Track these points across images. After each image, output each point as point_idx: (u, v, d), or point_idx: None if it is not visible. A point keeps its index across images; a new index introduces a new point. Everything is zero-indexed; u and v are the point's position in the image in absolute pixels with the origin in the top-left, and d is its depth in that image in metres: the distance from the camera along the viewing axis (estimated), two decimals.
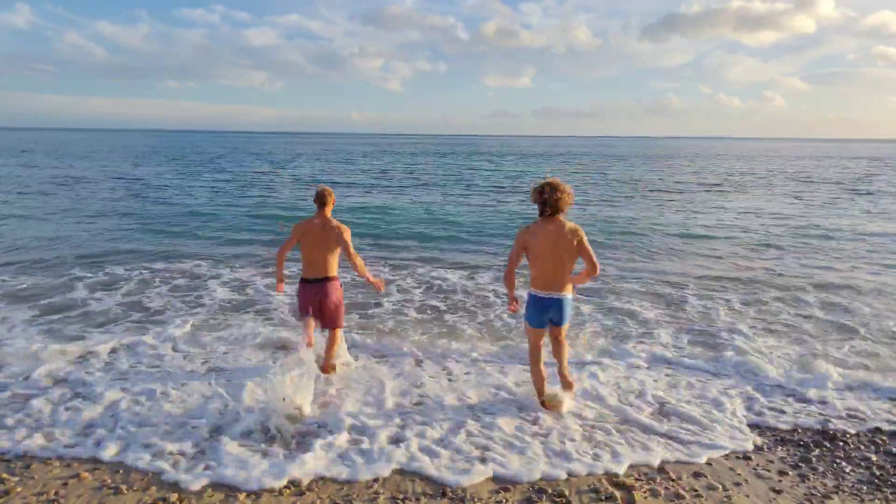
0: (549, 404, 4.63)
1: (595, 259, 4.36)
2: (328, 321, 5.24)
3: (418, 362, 5.85)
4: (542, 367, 4.69)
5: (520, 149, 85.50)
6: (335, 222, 5.16)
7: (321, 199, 5.21)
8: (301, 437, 4.28)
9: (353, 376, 5.37)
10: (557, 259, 4.36)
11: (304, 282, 5.19)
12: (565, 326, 4.61)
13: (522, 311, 4.77)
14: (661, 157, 57.50)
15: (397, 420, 4.58)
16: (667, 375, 5.62)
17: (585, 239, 4.37)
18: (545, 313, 4.51)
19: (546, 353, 4.81)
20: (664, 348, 6.33)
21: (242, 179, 28.14)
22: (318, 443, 4.17)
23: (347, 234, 5.14)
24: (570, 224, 4.40)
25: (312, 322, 5.18)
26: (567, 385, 4.71)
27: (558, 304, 4.44)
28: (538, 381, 4.69)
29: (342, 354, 5.55)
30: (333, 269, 5.18)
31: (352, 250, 5.11)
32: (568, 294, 4.47)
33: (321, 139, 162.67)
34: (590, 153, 68.84)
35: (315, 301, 5.13)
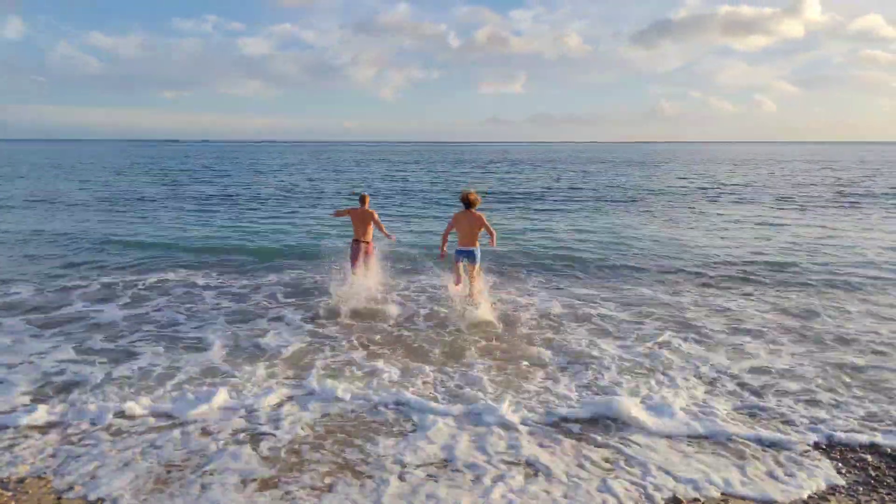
0: (462, 294, 8.13)
1: (492, 229, 7.90)
2: (370, 261, 8.90)
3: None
4: (462, 281, 8.21)
5: (516, 156, 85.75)
6: (370, 210, 8.87)
7: (362, 200, 9.01)
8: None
9: None
10: (470, 230, 7.96)
11: (356, 241, 8.86)
12: (476, 266, 8.05)
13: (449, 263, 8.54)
14: (653, 164, 57.83)
15: None
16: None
17: (486, 220, 7.94)
18: (463, 257, 8.05)
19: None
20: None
21: (227, 192, 28.00)
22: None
23: (376, 214, 8.88)
24: (477, 213, 8.00)
25: (360, 263, 8.75)
26: (474, 302, 7.91)
27: (471, 253, 8.01)
28: (458, 285, 8.28)
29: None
30: (370, 235, 8.90)
31: (380, 222, 8.83)
32: (476, 248, 8.02)
33: (315, 147, 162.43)
34: (581, 159, 69.15)
35: (361, 252, 8.78)
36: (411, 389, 5.57)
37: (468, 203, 7.99)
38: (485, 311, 7.78)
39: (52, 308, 8.22)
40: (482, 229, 7.96)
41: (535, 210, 20.26)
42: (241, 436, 4.68)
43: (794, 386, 5.60)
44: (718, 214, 18.67)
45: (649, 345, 6.80)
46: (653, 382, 5.71)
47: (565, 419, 4.98)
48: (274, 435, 4.68)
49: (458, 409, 5.16)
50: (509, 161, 64.37)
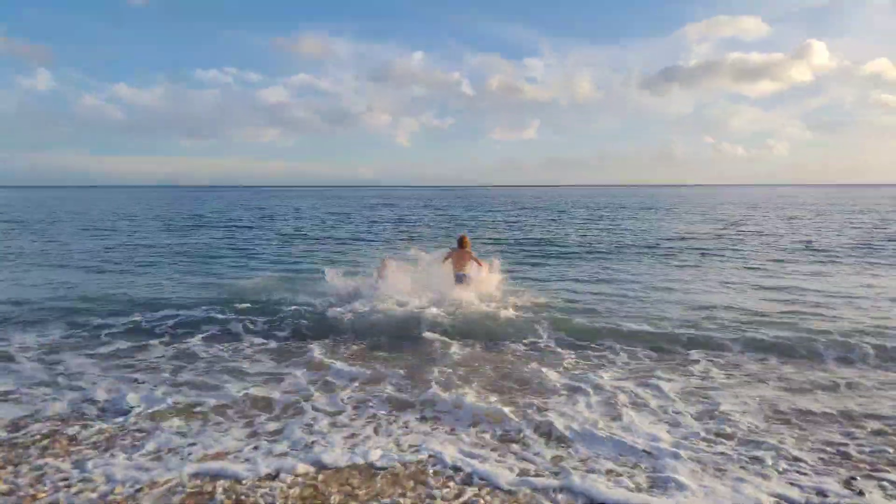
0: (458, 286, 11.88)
1: (478, 260, 12.38)
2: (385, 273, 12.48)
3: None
4: (458, 288, 11.77)
5: (528, 200, 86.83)
6: (386, 261, 12.78)
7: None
8: None
9: None
10: (462, 262, 12.17)
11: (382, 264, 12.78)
12: (467, 282, 11.98)
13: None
14: (665, 208, 58.44)
15: None
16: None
17: (474, 256, 12.39)
18: (460, 281, 11.97)
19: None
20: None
21: (235, 238, 28.86)
22: None
23: (389, 264, 12.63)
24: (467, 251, 12.30)
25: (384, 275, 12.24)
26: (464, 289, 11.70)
27: (465, 276, 12.02)
28: (456, 290, 11.67)
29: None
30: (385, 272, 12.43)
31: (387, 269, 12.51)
32: (467, 273, 12.02)
33: (332, 193, 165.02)
34: (595, 203, 69.89)
35: (382, 269, 12.56)
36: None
37: (461, 244, 12.38)
38: (471, 297, 11.31)
39: (98, 346, 9.01)
40: (471, 261, 12.22)
41: (542, 258, 19.96)
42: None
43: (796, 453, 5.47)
44: (731, 264, 17.80)
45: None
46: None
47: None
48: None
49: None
50: (520, 206, 65.26)
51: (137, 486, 4.86)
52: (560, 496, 4.79)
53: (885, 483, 4.92)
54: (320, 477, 5.06)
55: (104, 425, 6.15)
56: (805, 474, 5.07)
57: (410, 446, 5.65)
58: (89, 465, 5.24)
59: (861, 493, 4.76)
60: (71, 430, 6.00)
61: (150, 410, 6.50)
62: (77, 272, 16.65)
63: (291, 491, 4.82)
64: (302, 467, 5.20)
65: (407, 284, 11.83)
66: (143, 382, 7.39)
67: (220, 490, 4.79)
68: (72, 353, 8.64)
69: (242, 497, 4.72)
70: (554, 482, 4.98)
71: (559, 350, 8.84)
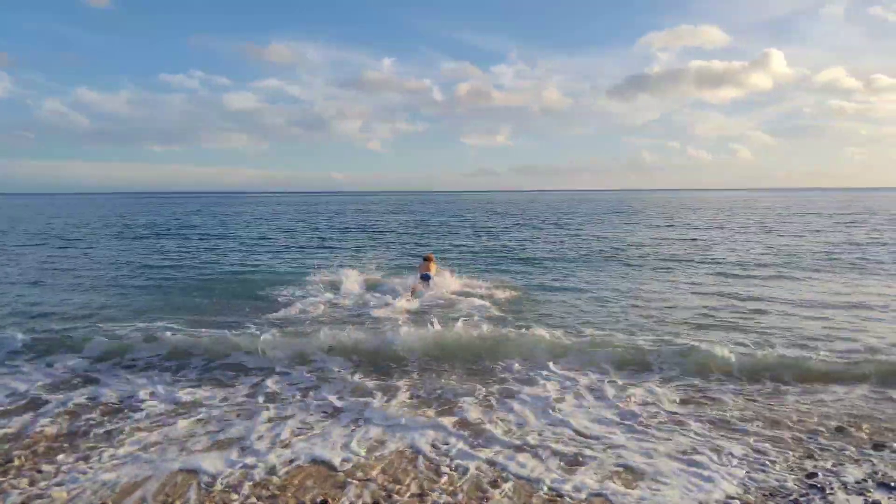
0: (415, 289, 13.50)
1: (436, 268, 14.70)
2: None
3: None
4: (419, 287, 13.65)
5: (500, 207, 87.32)
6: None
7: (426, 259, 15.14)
8: None
9: None
10: (427, 268, 14.31)
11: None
12: (431, 281, 13.78)
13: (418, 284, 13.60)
14: (633, 212, 59.33)
15: None
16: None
17: (433, 268, 14.49)
18: (425, 279, 13.74)
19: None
20: None
21: (193, 245, 28.42)
22: None
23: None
24: (430, 264, 14.58)
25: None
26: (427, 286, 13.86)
27: (429, 276, 13.89)
28: (416, 288, 13.49)
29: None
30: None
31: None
32: (431, 272, 14.14)
33: (302, 198, 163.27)
34: (563, 209, 70.59)
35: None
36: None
37: (428, 259, 14.90)
38: (432, 291, 13.28)
39: (61, 355, 8.80)
40: (433, 268, 14.46)
41: (508, 264, 19.67)
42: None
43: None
44: (695, 270, 17.66)
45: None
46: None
47: None
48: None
49: None
50: (491, 212, 65.47)
51: (101, 500, 4.78)
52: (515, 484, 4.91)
53: (846, 479, 5.09)
54: (279, 479, 5.05)
55: (72, 433, 6.07)
56: (766, 472, 5.23)
57: (378, 444, 5.76)
58: (50, 476, 5.12)
59: (822, 489, 4.92)
60: (32, 442, 5.87)
61: (109, 424, 6.37)
62: (23, 285, 15.94)
63: (262, 491, 4.83)
64: (265, 470, 5.22)
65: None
66: (97, 394, 7.26)
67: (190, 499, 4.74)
68: (42, 362, 8.49)
69: None
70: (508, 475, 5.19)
71: (519, 356, 8.68)
